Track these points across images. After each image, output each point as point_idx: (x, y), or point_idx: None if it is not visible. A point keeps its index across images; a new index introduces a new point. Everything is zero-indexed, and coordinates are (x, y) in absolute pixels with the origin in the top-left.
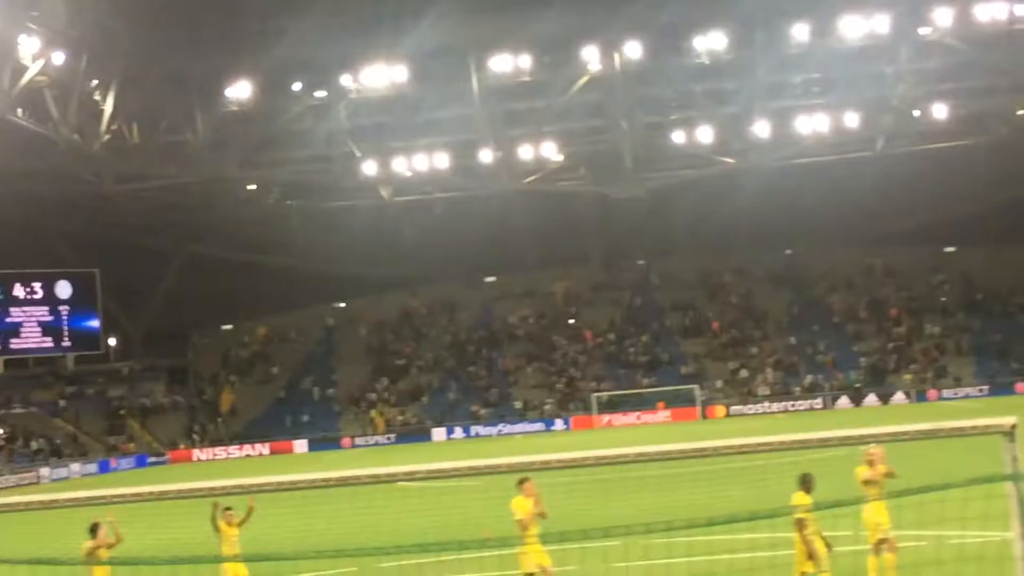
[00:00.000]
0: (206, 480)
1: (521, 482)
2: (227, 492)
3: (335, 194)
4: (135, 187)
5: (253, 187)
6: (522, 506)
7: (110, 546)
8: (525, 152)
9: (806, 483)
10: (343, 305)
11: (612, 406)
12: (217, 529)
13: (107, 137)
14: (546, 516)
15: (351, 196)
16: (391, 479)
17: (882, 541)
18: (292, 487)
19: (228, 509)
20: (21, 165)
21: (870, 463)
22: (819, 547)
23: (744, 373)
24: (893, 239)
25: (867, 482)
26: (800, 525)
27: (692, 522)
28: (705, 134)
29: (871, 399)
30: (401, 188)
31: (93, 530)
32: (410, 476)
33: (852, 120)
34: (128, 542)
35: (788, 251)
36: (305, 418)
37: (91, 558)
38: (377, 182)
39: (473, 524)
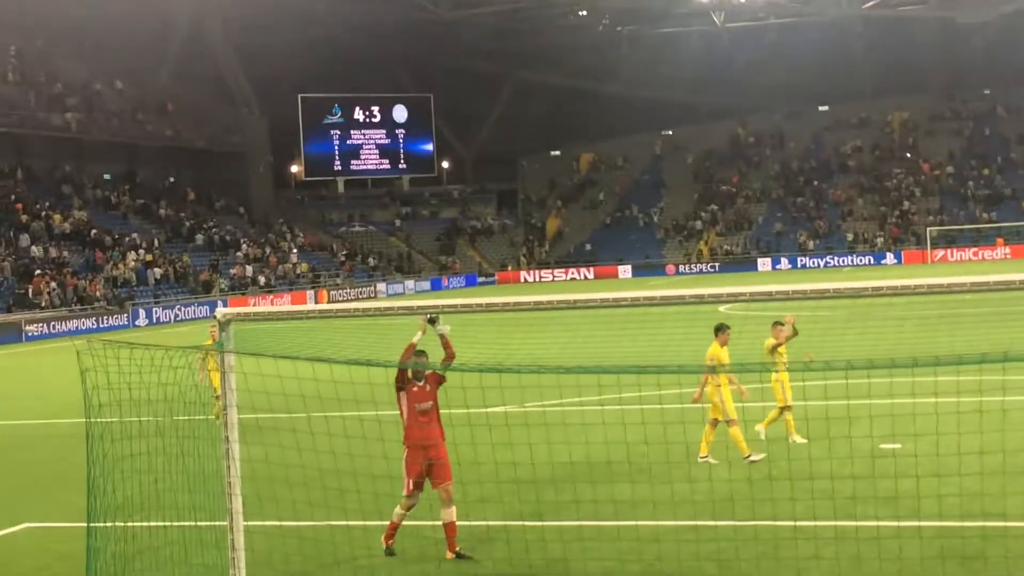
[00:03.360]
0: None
1: None
2: (554, 307)
3: (666, 20)
4: (469, 12)
5: (584, 13)
6: None
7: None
8: None
9: None
10: (670, 133)
11: (947, 241)
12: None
13: None
14: None
15: (682, 22)
16: (715, 300)
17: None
18: (616, 304)
19: (778, 324)
20: None
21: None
22: None
23: None
24: None
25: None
26: None
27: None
28: None
29: None
30: (734, 14)
31: (719, 330)
32: (734, 298)
33: None
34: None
35: None
36: (630, 244)
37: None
38: (710, 8)
39: (794, 351)
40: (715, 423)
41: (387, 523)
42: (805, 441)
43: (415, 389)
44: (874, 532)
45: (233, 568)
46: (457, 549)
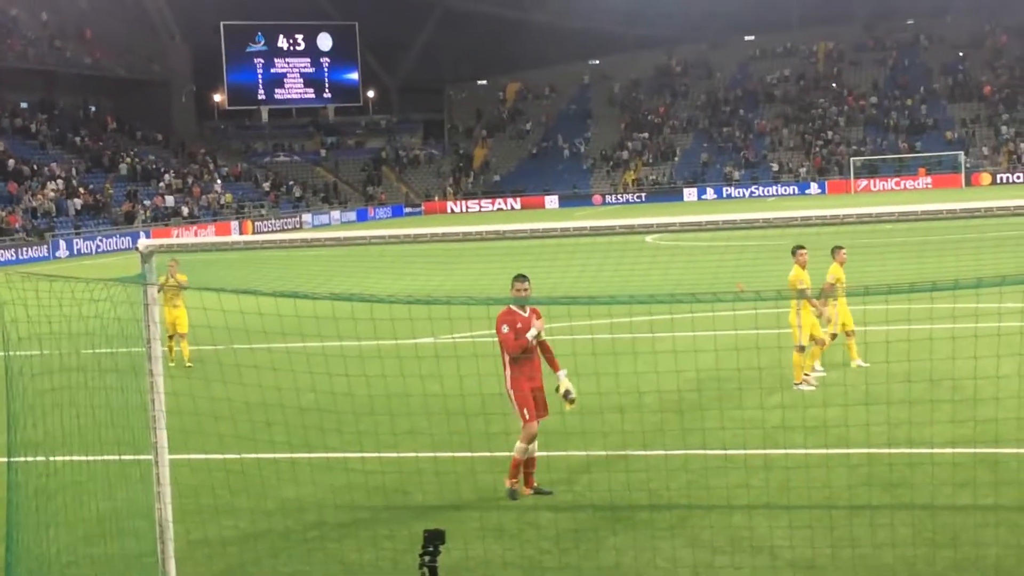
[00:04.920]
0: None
1: None
2: (482, 237)
3: None
4: None
5: None
6: None
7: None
8: None
9: None
10: (598, 62)
11: (871, 171)
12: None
13: None
14: None
15: None
16: (645, 230)
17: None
18: (545, 235)
19: (839, 248)
20: None
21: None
22: None
23: (1016, 141)
24: None
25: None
26: None
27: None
28: None
29: None
30: None
31: (796, 253)
32: (663, 228)
33: None
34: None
35: None
36: (557, 175)
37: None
38: None
39: (725, 281)
40: (802, 348)
41: (315, 455)
42: (867, 365)
43: (519, 325)
44: (802, 460)
45: (158, 502)
46: (535, 485)
